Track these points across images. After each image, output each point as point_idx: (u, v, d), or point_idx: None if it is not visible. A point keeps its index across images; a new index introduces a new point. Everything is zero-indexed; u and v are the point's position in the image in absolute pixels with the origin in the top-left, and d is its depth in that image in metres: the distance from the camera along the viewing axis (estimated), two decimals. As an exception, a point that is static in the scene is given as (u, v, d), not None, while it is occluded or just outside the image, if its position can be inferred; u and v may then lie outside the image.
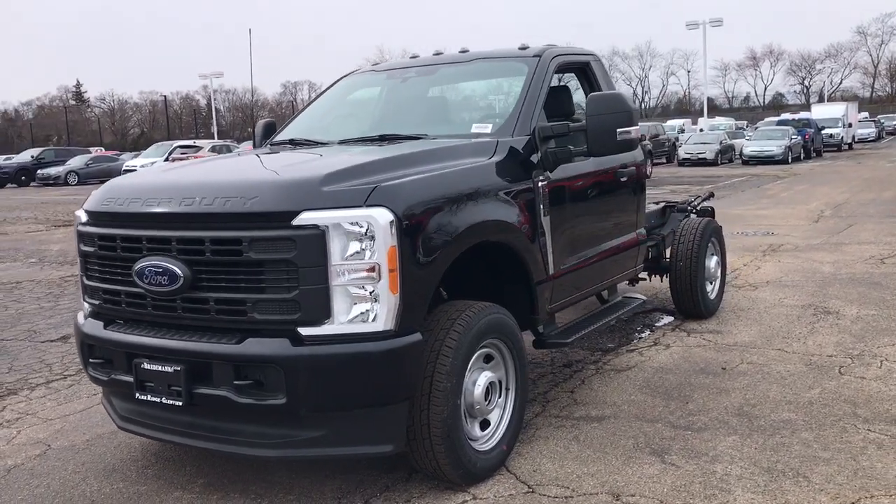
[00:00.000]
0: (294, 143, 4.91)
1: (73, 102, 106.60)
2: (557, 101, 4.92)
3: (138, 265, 3.51)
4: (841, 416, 4.39)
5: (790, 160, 34.00)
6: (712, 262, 6.90)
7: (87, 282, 3.90)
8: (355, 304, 3.27)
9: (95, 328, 3.81)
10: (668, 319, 6.89)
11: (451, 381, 3.51)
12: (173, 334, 3.51)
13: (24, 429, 4.84)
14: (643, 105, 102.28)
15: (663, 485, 3.66)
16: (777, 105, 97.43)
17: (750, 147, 34.66)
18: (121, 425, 3.93)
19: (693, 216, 7.56)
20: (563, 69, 5.07)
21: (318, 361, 3.26)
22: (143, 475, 4.07)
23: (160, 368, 3.47)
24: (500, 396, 3.97)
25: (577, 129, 4.35)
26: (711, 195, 7.98)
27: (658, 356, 5.75)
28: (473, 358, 3.73)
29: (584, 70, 5.26)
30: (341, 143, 4.64)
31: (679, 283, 6.62)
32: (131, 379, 3.59)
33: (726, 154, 36.03)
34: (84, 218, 3.89)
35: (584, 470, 3.86)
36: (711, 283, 7.00)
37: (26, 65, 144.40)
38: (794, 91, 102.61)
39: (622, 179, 5.20)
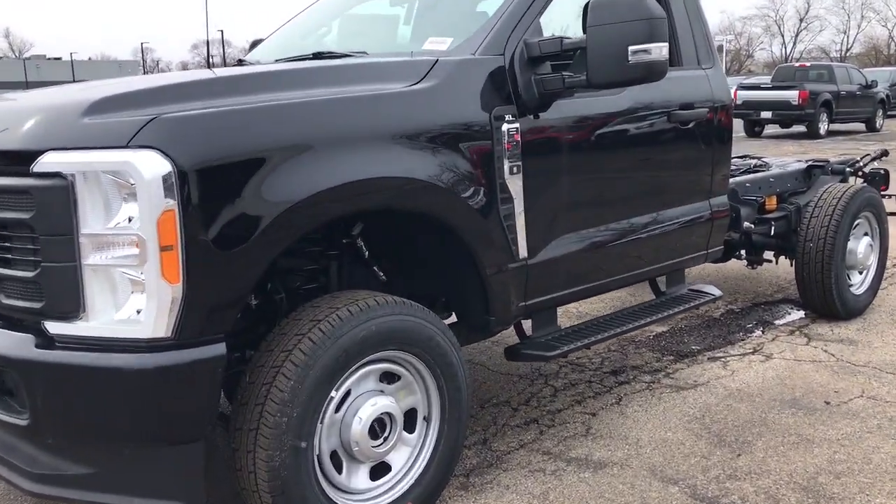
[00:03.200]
0: (241, 62, 3.88)
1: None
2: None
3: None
4: (971, 516, 2.76)
5: None
6: (861, 244, 5.09)
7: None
8: (121, 294, 2.20)
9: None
10: (795, 316, 5.21)
11: (292, 415, 2.37)
12: None
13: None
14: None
15: None
16: None
17: None
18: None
19: (853, 181, 5.74)
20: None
21: (61, 372, 2.24)
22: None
23: None
24: (411, 431, 2.77)
25: (573, 47, 2.93)
26: (885, 153, 6.01)
27: (745, 371, 4.21)
28: (351, 380, 2.57)
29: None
30: (277, 61, 3.52)
31: (805, 270, 4.92)
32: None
33: None
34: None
35: (512, 557, 2.60)
36: (861, 273, 5.20)
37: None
38: None
39: (685, 126, 3.66)
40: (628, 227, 3.46)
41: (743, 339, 4.77)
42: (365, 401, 2.60)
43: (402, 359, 2.68)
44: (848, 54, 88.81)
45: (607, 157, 3.34)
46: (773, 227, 5.05)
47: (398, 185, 2.58)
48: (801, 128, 21.51)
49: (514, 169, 2.91)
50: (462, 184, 2.75)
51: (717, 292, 4.03)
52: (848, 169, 5.69)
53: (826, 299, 4.91)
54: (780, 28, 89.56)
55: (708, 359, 4.44)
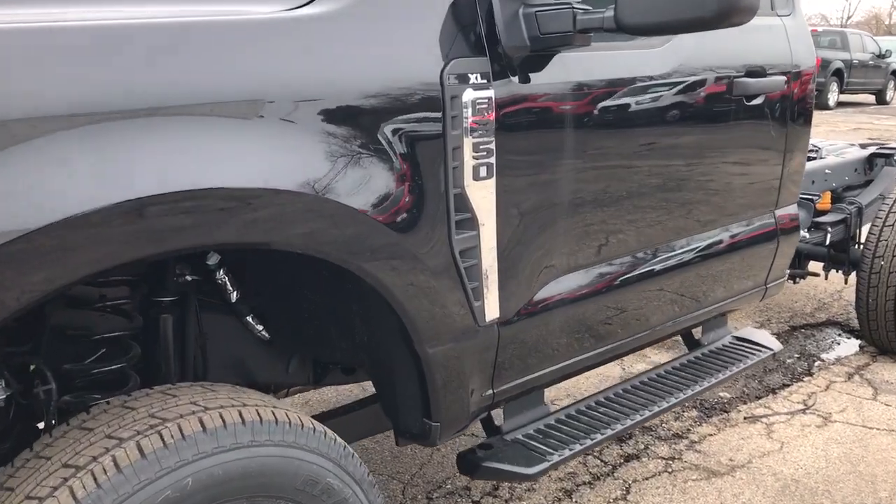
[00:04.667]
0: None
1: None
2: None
3: None
4: None
5: None
6: (945, 262, 3.91)
7: None
8: None
9: None
10: (847, 348, 4.05)
11: None
12: None
13: None
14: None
15: None
16: None
17: None
18: None
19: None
20: None
21: None
22: None
23: None
24: None
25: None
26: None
27: (799, 444, 3.04)
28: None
29: None
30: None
31: (871, 295, 3.72)
32: None
33: None
34: None
35: None
36: (938, 298, 4.02)
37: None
38: None
39: (750, 101, 2.41)
40: (660, 258, 2.22)
41: (787, 385, 3.59)
42: None
43: (264, 515, 1.47)
44: (849, 22, 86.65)
45: (637, 149, 2.08)
46: (829, 235, 3.87)
47: (252, 206, 1.33)
48: (808, 97, 20.15)
49: (484, 169, 1.66)
50: (381, 200, 1.50)
51: (776, 345, 2.80)
52: (920, 158, 4.47)
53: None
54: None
55: (744, 418, 3.27)
